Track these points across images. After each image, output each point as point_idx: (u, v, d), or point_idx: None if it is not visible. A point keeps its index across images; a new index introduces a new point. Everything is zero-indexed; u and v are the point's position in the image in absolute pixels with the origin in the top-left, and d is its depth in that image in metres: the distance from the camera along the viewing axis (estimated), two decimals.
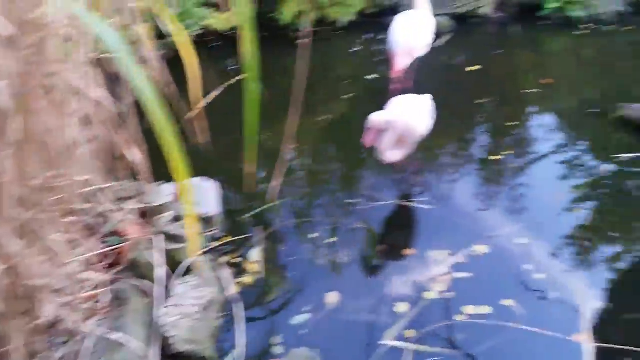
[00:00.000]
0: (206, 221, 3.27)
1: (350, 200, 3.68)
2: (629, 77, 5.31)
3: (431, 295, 2.93)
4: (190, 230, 1.74)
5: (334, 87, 5.23)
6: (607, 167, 3.91)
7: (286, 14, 6.01)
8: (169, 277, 2.81)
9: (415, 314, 2.82)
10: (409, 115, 3.40)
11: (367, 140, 3.35)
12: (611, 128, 4.40)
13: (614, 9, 6.28)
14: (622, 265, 3.14)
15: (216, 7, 6.00)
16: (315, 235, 3.39)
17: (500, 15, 6.41)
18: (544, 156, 4.13)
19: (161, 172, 2.06)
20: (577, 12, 6.18)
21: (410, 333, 2.72)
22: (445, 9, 6.19)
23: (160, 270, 2.77)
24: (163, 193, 3.22)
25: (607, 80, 5.33)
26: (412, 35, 4.57)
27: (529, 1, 6.44)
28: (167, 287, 2.75)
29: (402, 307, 2.86)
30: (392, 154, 3.43)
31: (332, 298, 2.95)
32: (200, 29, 5.74)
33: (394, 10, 5.70)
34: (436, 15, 6.08)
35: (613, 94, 4.92)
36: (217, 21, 5.89)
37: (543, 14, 6.31)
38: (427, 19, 4.72)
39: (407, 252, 3.23)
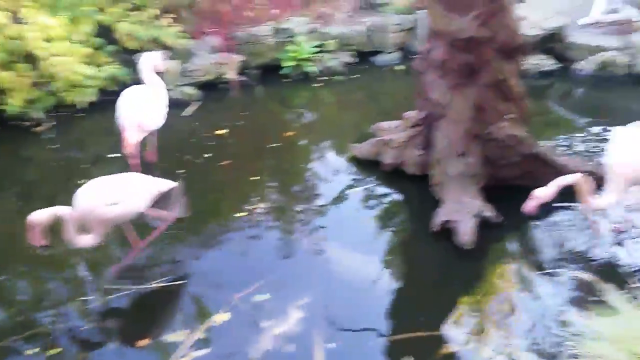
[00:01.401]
0: None
1: (83, 298, 3.31)
2: (360, 117, 5.88)
3: None
4: None
5: (74, 172, 4.83)
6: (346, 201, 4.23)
7: (14, 103, 5.49)
8: None
9: None
10: (90, 200, 3.15)
11: (34, 240, 3.05)
12: (345, 166, 4.75)
13: (341, 61, 7.02)
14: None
15: None
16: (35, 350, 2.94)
17: (244, 79, 6.68)
18: (280, 208, 4.25)
19: None
20: (311, 68, 6.75)
21: None
22: (188, 79, 6.26)
23: None
24: None
25: (340, 124, 5.85)
26: (139, 109, 4.44)
27: (269, 62, 6.86)
28: None
29: None
30: (82, 239, 3.19)
31: None
32: None
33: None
34: (181, 85, 6.21)
35: (348, 134, 5.40)
36: None
37: (283, 72, 6.77)
38: (157, 92, 4.65)
39: (141, 343, 2.96)
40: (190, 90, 6.17)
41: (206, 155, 5.01)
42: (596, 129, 5.13)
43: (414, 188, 4.31)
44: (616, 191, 3.29)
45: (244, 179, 4.67)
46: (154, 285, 3.36)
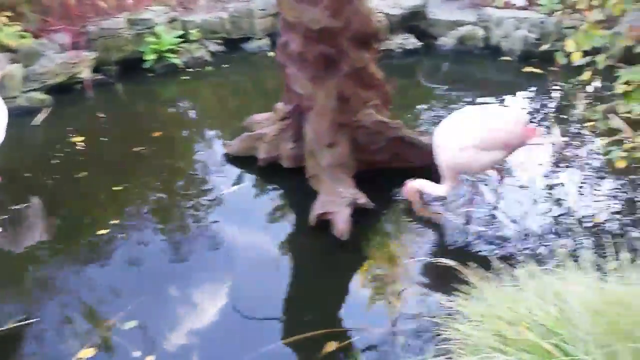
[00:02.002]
0: None
1: None
2: (233, 110, 5.65)
3: None
4: None
5: None
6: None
7: None
8: None
9: None
10: None
11: None
12: (219, 165, 4.52)
13: (209, 51, 6.70)
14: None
15: None
16: None
17: (101, 77, 6.13)
18: (143, 221, 3.92)
19: None
20: (176, 59, 6.36)
21: None
22: (36, 83, 5.59)
23: None
24: None
25: (212, 119, 5.56)
26: None
27: (128, 57, 6.34)
28: None
29: None
30: None
31: None
32: None
33: None
34: (27, 91, 5.56)
35: (222, 129, 5.16)
36: None
37: (147, 66, 6.31)
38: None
39: None
40: (39, 96, 5.55)
41: (59, 168, 4.52)
42: (463, 99, 5.37)
43: (293, 182, 4.19)
44: (449, 179, 3.50)
45: (106, 191, 4.24)
46: (4, 329, 2.96)
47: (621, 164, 3.34)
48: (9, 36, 5.70)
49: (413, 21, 6.86)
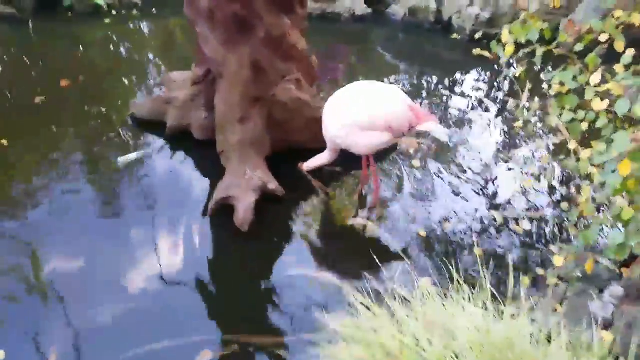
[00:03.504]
0: None
1: None
2: (156, 62, 5.13)
3: None
4: None
5: None
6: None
7: None
8: None
9: None
10: None
11: None
12: (124, 128, 4.05)
13: None
14: None
15: None
16: None
17: (11, 11, 5.45)
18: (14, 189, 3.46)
19: None
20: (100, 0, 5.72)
21: None
22: None
23: None
24: None
25: (130, 71, 4.97)
26: None
27: None
28: None
29: None
30: None
31: None
32: None
33: None
34: None
35: (137, 84, 4.66)
36: None
37: (66, 4, 5.65)
38: None
39: None
40: None
41: None
42: (409, 74, 5.04)
43: (202, 156, 3.78)
44: (330, 150, 3.35)
45: None
46: None
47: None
48: None
49: None
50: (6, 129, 3.92)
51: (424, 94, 4.92)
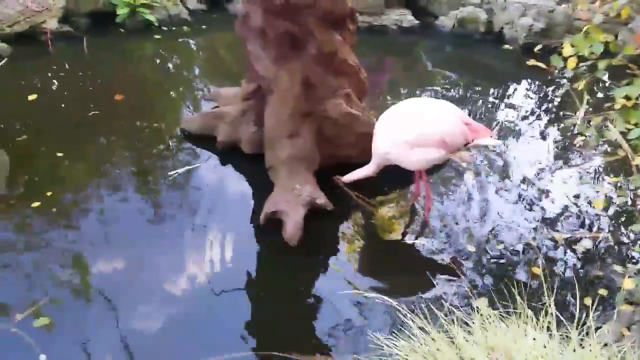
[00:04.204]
0: None
1: None
2: (205, 78, 5.19)
3: None
4: None
5: None
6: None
7: None
8: None
9: None
10: None
11: None
12: (175, 142, 4.12)
13: (188, 8, 6.21)
14: None
15: None
16: None
17: (68, 29, 5.65)
18: (82, 194, 3.56)
19: None
20: (151, 16, 5.86)
21: None
22: None
23: None
24: None
25: (181, 86, 5.04)
26: None
27: (100, 9, 5.85)
28: None
29: None
30: None
31: None
32: None
33: None
34: None
35: (189, 99, 4.74)
36: None
37: (119, 21, 5.82)
38: None
39: None
40: None
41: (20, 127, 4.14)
42: (461, 86, 4.95)
43: (252, 170, 3.79)
44: (372, 165, 3.32)
45: (47, 157, 3.88)
46: None
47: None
48: None
49: None
50: (61, 142, 4.05)
51: (476, 105, 4.80)
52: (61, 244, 3.16)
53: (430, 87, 5.07)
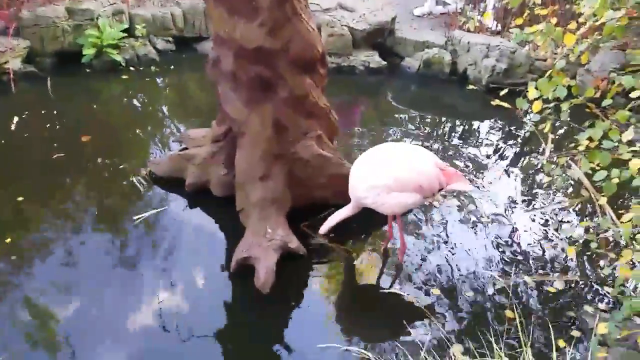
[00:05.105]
0: None
1: None
2: (172, 119, 5.10)
3: None
4: None
5: None
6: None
7: None
8: None
9: None
10: None
11: None
12: (142, 184, 4.02)
13: (155, 49, 6.17)
14: None
15: None
16: None
17: (32, 69, 5.53)
18: (42, 240, 3.45)
19: None
20: (118, 56, 5.79)
21: None
22: None
23: None
24: None
25: (147, 127, 4.96)
26: None
27: (66, 49, 5.75)
28: None
29: None
30: None
31: None
32: None
33: None
34: None
35: (156, 140, 4.66)
36: None
37: (85, 61, 5.73)
38: None
39: None
40: None
41: None
42: (426, 125, 5.01)
43: (222, 213, 3.72)
44: (348, 209, 3.29)
45: (7, 201, 3.75)
46: None
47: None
48: None
49: (379, 38, 6.45)
50: (23, 186, 3.92)
51: (442, 144, 4.87)
52: (20, 292, 3.03)
53: (397, 127, 5.12)
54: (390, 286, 3.20)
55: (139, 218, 3.62)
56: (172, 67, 6.08)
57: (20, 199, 3.75)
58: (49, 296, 3.02)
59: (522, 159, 4.80)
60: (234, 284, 3.19)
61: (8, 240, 3.36)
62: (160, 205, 3.77)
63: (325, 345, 2.60)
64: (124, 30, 5.95)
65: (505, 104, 3.86)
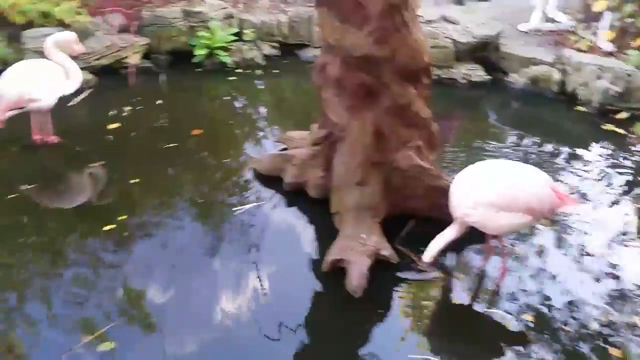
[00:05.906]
0: None
1: None
2: (274, 120, 5.31)
3: None
4: None
5: None
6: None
7: None
8: None
9: None
10: None
11: None
12: (243, 179, 4.19)
13: (261, 53, 6.43)
14: None
15: None
16: None
17: (149, 65, 5.98)
18: (151, 223, 3.69)
19: None
20: (227, 58, 6.11)
21: None
22: (79, 62, 5.41)
23: None
24: None
25: (252, 126, 5.19)
26: (20, 85, 4.10)
27: (180, 48, 6.16)
28: None
29: None
30: None
31: None
32: None
33: None
34: None
35: (259, 139, 4.86)
36: None
37: (196, 61, 6.10)
38: (53, 67, 4.25)
39: None
40: (85, 76, 5.41)
41: (79, 152, 4.44)
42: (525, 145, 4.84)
43: (316, 214, 3.78)
44: (451, 230, 3.12)
45: (120, 185, 4.09)
46: None
47: None
48: (65, 12, 5.62)
49: (483, 52, 6.31)
50: (137, 170, 4.23)
51: (542, 168, 4.63)
52: (124, 268, 3.27)
53: (495, 144, 4.96)
54: (487, 307, 3.10)
55: (238, 210, 3.79)
56: (275, 71, 6.32)
57: (133, 181, 4.05)
58: (145, 274, 3.22)
59: (634, 189, 4.48)
60: (323, 284, 3.22)
61: (121, 217, 3.64)
62: (259, 200, 3.92)
63: (417, 356, 2.56)
64: (234, 34, 6.26)
65: (618, 129, 3.63)
